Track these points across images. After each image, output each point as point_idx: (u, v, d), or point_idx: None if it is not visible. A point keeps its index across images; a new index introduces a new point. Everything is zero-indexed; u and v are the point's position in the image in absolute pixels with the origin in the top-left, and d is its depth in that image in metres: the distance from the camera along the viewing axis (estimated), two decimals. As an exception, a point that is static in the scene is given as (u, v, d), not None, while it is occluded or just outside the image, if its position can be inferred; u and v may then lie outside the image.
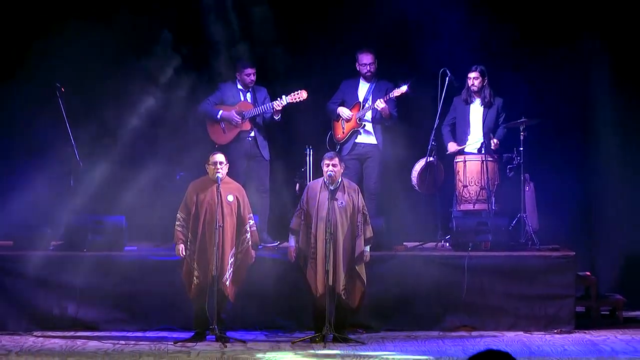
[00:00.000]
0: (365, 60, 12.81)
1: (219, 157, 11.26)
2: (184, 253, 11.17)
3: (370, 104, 12.75)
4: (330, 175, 11.17)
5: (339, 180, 11.26)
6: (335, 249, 11.09)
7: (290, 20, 13.45)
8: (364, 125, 12.79)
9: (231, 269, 11.17)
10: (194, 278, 11.13)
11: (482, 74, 12.73)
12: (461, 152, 12.73)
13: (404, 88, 12.57)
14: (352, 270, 11.19)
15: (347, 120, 12.80)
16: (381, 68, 12.95)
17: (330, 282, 11.03)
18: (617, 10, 13.38)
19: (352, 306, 11.22)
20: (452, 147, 12.77)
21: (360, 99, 12.86)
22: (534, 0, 13.46)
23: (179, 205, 11.31)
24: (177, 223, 11.24)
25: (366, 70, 12.82)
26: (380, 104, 12.58)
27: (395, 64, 13.30)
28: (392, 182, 13.27)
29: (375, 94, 12.80)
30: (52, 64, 12.88)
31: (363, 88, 12.91)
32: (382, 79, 12.90)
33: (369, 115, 12.78)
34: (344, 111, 12.82)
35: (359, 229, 11.22)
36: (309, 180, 12.33)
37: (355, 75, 12.94)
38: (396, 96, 12.62)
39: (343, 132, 12.86)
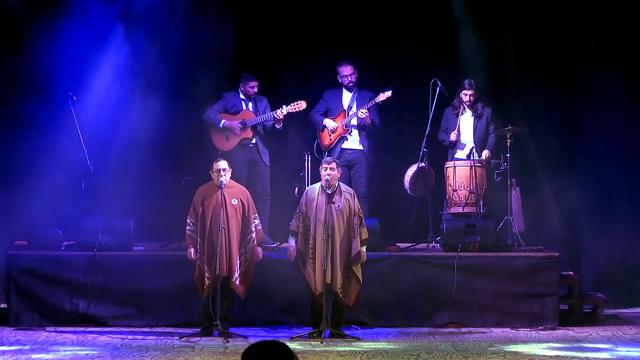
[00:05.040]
0: (346, 72, 12.77)
1: (223, 164, 11.32)
2: (194, 256, 11.22)
3: (355, 110, 12.75)
4: (328, 179, 11.19)
5: (336, 185, 11.29)
6: (332, 249, 11.11)
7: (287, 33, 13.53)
8: (351, 131, 12.78)
9: (240, 269, 11.22)
10: (205, 279, 11.15)
11: (475, 89, 12.72)
12: (452, 158, 12.76)
13: (388, 93, 12.55)
14: (349, 270, 11.19)
15: (333, 132, 12.82)
16: (366, 78, 12.99)
17: (329, 281, 11.06)
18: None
19: (348, 304, 11.22)
20: (453, 135, 12.69)
21: (345, 106, 12.84)
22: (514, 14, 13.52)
23: (185, 208, 11.36)
24: (187, 228, 11.27)
25: (348, 81, 12.78)
26: (362, 114, 12.57)
27: (379, 73, 13.35)
28: (385, 186, 13.33)
29: (359, 101, 12.78)
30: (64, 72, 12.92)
31: (347, 96, 12.87)
32: (364, 88, 12.87)
33: (354, 121, 12.77)
34: (330, 123, 12.78)
35: (355, 231, 11.22)
36: (308, 184, 12.35)
37: (338, 85, 12.91)
38: (382, 101, 12.61)
39: (330, 140, 12.83)
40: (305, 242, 11.22)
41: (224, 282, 11.15)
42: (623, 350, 10.63)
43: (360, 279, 11.22)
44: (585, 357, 10.31)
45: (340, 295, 11.13)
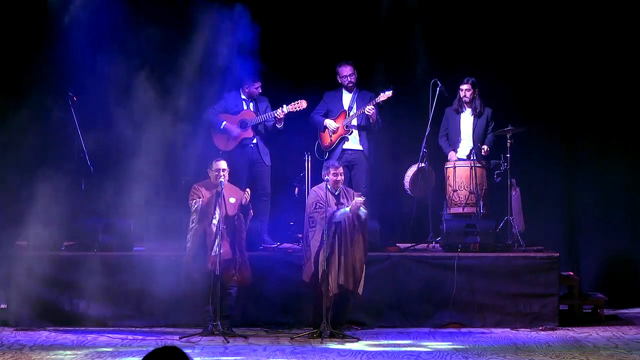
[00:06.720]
0: (345, 72, 12.80)
1: (223, 164, 11.34)
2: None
3: (355, 111, 12.77)
4: (337, 182, 11.26)
5: (341, 186, 11.37)
6: (345, 250, 11.13)
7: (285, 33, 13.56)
8: (351, 131, 12.80)
9: (237, 266, 11.25)
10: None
11: (473, 86, 12.74)
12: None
13: (389, 93, 12.55)
14: (355, 267, 11.18)
15: (334, 132, 12.84)
16: (366, 78, 13.02)
17: (342, 282, 11.06)
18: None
19: (359, 293, 11.20)
20: (452, 156, 12.75)
21: (345, 107, 12.86)
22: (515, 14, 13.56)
23: (185, 209, 11.39)
24: (196, 206, 11.20)
25: (347, 82, 12.81)
26: (369, 110, 12.56)
27: (379, 73, 13.40)
28: (385, 186, 13.32)
29: (359, 102, 12.81)
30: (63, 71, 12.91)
31: (347, 97, 12.90)
32: (364, 88, 12.89)
33: (355, 122, 12.79)
34: (330, 124, 12.81)
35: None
36: (308, 185, 12.35)
37: (338, 86, 12.94)
38: (382, 101, 12.62)
39: (331, 140, 12.86)
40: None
41: (224, 282, 11.14)
42: (623, 351, 10.60)
43: (364, 261, 11.21)
44: (585, 357, 10.30)
45: (353, 290, 11.12)
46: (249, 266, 11.34)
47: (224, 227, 11.13)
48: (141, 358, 5.39)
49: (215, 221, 11.11)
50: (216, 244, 11.07)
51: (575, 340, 11.23)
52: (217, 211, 11.13)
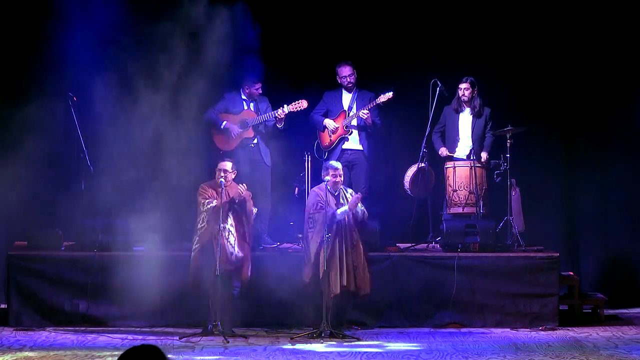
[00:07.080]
0: (345, 73, 12.80)
1: (225, 165, 11.38)
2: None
3: (355, 111, 12.78)
4: (336, 182, 11.30)
5: (340, 187, 11.38)
6: (346, 250, 11.15)
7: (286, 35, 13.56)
8: (351, 132, 12.80)
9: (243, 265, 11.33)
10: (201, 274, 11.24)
11: (472, 85, 12.75)
12: (451, 158, 12.76)
13: (389, 94, 12.56)
14: (357, 266, 11.22)
15: (334, 132, 12.85)
16: (366, 78, 13.02)
17: (345, 283, 11.07)
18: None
19: (367, 293, 11.27)
20: (443, 151, 12.79)
21: (345, 107, 12.86)
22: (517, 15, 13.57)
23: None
24: (209, 205, 11.24)
25: (347, 82, 12.81)
26: (364, 114, 12.58)
27: (379, 73, 13.40)
28: (385, 186, 13.32)
29: (359, 102, 12.80)
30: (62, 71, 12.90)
31: (346, 97, 12.89)
32: (364, 88, 12.90)
33: (354, 122, 12.79)
34: (330, 123, 12.81)
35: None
36: (308, 185, 12.36)
37: (338, 86, 12.94)
38: (383, 102, 12.63)
39: (330, 140, 12.87)
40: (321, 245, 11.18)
41: (225, 282, 11.14)
42: (623, 351, 10.61)
43: (367, 263, 11.25)
44: (585, 357, 10.30)
45: (355, 290, 11.16)
46: (250, 263, 11.39)
47: (224, 225, 11.13)
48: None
49: (228, 224, 11.14)
50: (235, 244, 11.12)
51: (575, 340, 11.23)
52: (230, 217, 11.16)
